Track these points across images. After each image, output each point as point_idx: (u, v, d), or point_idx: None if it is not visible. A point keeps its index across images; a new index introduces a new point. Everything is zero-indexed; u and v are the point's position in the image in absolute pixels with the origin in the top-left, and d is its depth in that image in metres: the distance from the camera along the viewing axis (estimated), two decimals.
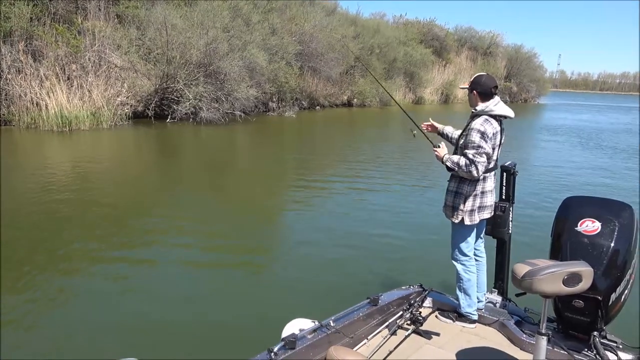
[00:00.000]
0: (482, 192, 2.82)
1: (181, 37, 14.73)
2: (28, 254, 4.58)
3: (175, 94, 14.92)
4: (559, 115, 30.55)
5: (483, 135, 2.72)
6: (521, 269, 2.08)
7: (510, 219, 3.01)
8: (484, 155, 2.71)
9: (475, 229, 2.90)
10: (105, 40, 14.38)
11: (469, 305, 2.87)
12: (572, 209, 2.60)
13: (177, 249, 4.91)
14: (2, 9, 12.22)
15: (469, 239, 2.88)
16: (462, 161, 2.74)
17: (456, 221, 2.85)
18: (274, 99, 20.06)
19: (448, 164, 2.82)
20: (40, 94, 12.26)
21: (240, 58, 15.63)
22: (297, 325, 2.39)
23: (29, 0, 12.89)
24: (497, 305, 3.00)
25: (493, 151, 2.79)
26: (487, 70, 36.55)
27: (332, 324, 2.38)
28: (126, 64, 14.82)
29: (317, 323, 2.37)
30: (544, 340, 2.14)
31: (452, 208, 2.85)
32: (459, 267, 2.91)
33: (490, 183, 2.86)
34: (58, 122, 11.95)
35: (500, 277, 3.11)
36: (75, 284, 4.05)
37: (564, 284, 2.04)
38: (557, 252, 2.53)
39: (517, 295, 2.76)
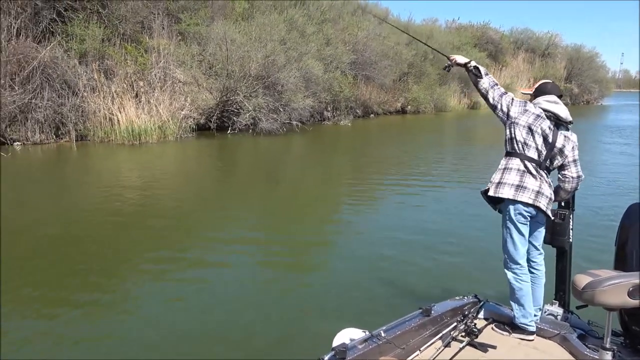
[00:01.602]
0: (507, 168, 2.75)
1: (240, 51, 15.16)
2: (96, 258, 4.82)
3: (235, 106, 15.35)
4: (623, 117, 28.88)
5: (513, 99, 2.78)
6: (582, 280, 1.97)
7: (571, 227, 2.85)
8: (501, 95, 2.79)
9: (524, 235, 2.72)
10: (169, 57, 15.06)
11: (523, 316, 2.71)
12: (638, 216, 2.42)
13: (233, 255, 5.02)
14: (77, 32, 13.06)
15: (518, 244, 2.72)
16: (488, 79, 2.83)
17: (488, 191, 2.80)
18: (329, 108, 20.23)
19: (472, 65, 2.87)
20: (112, 109, 12.97)
21: (297, 69, 15.89)
22: (347, 335, 2.35)
23: (101, 22, 13.72)
24: (558, 317, 2.83)
25: (513, 127, 2.73)
26: (546, 72, 35.26)
27: (383, 335, 2.31)
28: (189, 78, 15.43)
29: (367, 333, 2.32)
30: (608, 356, 2.01)
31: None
32: (509, 275, 2.77)
33: (514, 163, 2.73)
34: (128, 135, 12.57)
35: (561, 288, 2.92)
36: (138, 290, 4.20)
37: (629, 296, 1.91)
38: (622, 262, 2.37)
39: (579, 307, 2.61)
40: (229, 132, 15.23)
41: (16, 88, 11.54)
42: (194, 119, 14.97)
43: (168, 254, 5.03)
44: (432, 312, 2.65)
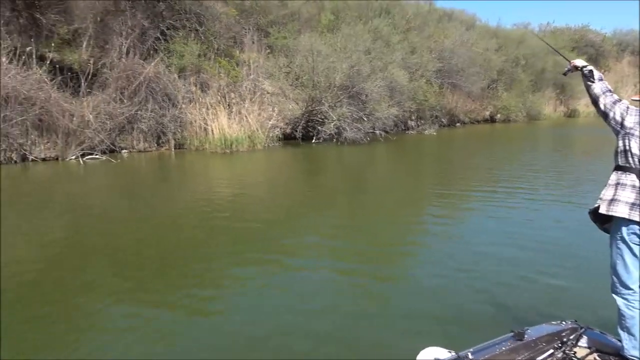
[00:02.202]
0: (620, 184, 2.51)
1: (326, 62, 15.49)
2: (183, 259, 5.11)
3: (319, 115, 15.67)
4: None
5: (628, 108, 2.55)
6: None
7: None
8: (614, 102, 2.59)
9: (638, 257, 2.45)
10: (258, 69, 15.78)
11: (634, 347, 2.43)
12: None
13: (315, 262, 5.03)
14: (178, 49, 14.13)
15: (631, 268, 2.45)
16: (601, 84, 2.64)
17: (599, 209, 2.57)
18: (413, 117, 19.98)
19: (587, 69, 2.68)
20: (206, 120, 13.82)
21: (382, 78, 15.90)
22: (431, 354, 2.25)
23: (198, 39, 14.72)
24: None
25: (628, 139, 2.48)
26: None
27: (470, 357, 2.18)
28: (276, 89, 16.04)
29: (454, 354, 2.20)
30: None
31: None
32: (619, 301, 2.51)
33: (629, 179, 2.50)
34: (221, 144, 13.31)
35: None
36: (226, 291, 4.37)
37: None
38: None
39: None
40: (313, 141, 15.57)
41: (125, 101, 12.70)
42: (280, 128, 15.51)
43: (254, 257, 5.20)
44: (526, 336, 2.47)
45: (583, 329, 2.67)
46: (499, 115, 25.40)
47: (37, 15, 12.30)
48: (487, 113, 25.23)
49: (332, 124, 15.26)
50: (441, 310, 3.81)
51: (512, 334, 2.50)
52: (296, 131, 15.73)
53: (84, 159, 11.51)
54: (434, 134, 19.03)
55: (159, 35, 14.22)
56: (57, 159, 11.41)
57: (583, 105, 30.53)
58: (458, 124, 23.04)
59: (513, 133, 21.51)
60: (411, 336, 3.32)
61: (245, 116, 14.60)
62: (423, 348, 2.33)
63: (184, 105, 13.73)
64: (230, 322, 3.73)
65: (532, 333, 2.54)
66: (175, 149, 13.43)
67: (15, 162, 10.83)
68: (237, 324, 3.65)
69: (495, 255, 5.15)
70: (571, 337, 2.57)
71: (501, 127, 24.01)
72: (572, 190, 8.74)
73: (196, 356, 3.19)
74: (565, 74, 2.95)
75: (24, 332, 3.50)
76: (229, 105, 14.58)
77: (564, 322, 2.73)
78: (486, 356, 2.27)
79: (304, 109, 15.67)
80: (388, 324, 3.62)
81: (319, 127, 15.65)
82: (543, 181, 9.62)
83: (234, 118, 14.33)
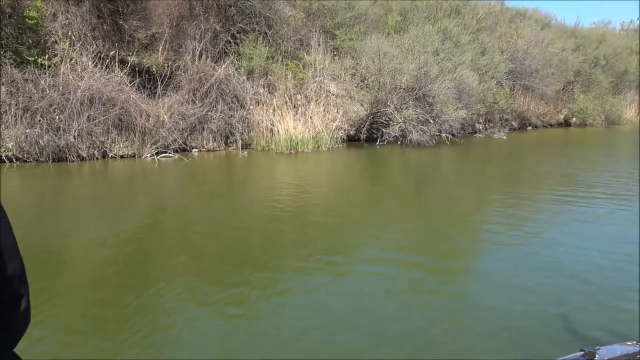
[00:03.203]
0: None
1: (392, 64, 15.32)
2: (248, 254, 5.20)
3: (384, 117, 15.52)
4: None
5: None
6: None
7: None
8: None
9: None
10: (324, 71, 15.88)
11: None
12: None
13: (375, 267, 4.94)
14: (247, 52, 14.52)
15: None
16: None
17: None
18: (481, 120, 19.32)
19: None
20: (273, 121, 14.08)
21: (450, 80, 15.49)
22: None
23: (266, 42, 15.05)
24: None
25: None
26: None
27: None
28: (341, 91, 16.06)
29: None
30: None
31: None
32: None
33: None
34: (287, 145, 13.51)
35: None
36: (286, 290, 4.40)
37: None
38: None
39: None
40: (377, 143, 15.44)
41: (197, 102, 13.22)
42: (344, 130, 15.51)
43: (316, 258, 5.20)
44: (597, 356, 2.25)
45: None
46: (574, 119, 24.02)
47: (120, 22, 13.09)
48: (562, 116, 23.93)
49: (397, 126, 15.06)
50: (504, 324, 3.64)
51: (581, 352, 2.30)
52: (360, 133, 15.67)
53: (159, 157, 12.09)
54: (504, 137, 18.27)
55: (229, 38, 14.68)
56: (134, 156, 12.06)
57: None
58: (529, 128, 22.01)
59: (590, 137, 20.24)
60: (471, 349, 3.21)
61: (310, 118, 14.74)
62: None
63: (251, 107, 14.07)
64: (290, 317, 3.77)
65: (603, 353, 2.32)
66: (242, 149, 13.79)
67: (97, 158, 11.57)
68: (291, 327, 3.68)
69: (562, 266, 4.87)
70: None
71: (577, 131, 22.66)
72: None
73: (251, 356, 3.24)
74: None
75: (91, 316, 3.71)
76: (294, 106, 14.79)
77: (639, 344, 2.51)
78: None
79: (368, 111, 15.58)
80: (445, 334, 3.52)
81: (383, 129, 15.50)
82: (629, 190, 8.93)
83: (299, 119, 14.51)
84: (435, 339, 3.48)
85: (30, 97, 10.85)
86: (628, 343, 2.48)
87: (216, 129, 13.53)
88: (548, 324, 3.62)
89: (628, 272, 4.67)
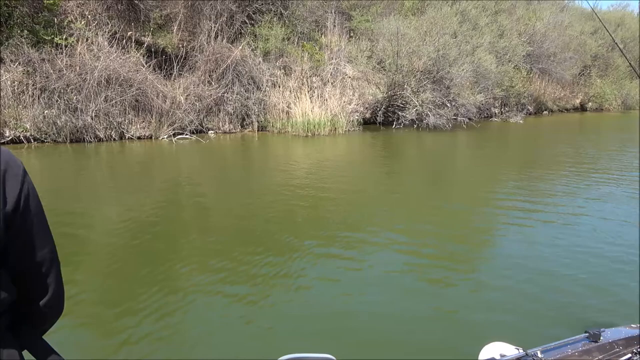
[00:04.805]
0: None
1: (410, 46, 15.06)
2: (262, 236, 5.16)
3: (400, 100, 15.32)
4: None
5: None
6: None
7: None
8: None
9: None
10: (340, 53, 15.64)
11: None
12: None
13: (381, 253, 4.85)
14: (263, 33, 14.31)
15: None
16: None
17: None
18: (496, 104, 19.05)
19: None
20: (289, 103, 13.93)
21: (469, 63, 15.22)
22: (496, 350, 2.07)
23: (283, 23, 14.81)
24: None
25: None
26: None
27: (539, 355, 1.97)
28: (357, 74, 15.84)
29: (521, 351, 1.99)
30: None
31: None
32: None
33: None
34: (304, 127, 13.36)
35: None
36: (302, 272, 4.31)
37: None
38: None
39: None
40: (394, 126, 15.27)
41: (213, 83, 13.07)
42: (360, 112, 15.34)
43: (329, 241, 5.11)
44: (602, 338, 2.23)
45: None
46: (590, 104, 23.66)
47: (135, 1, 12.90)
48: (578, 101, 23.58)
49: (414, 109, 14.86)
50: (509, 306, 3.68)
51: (586, 334, 2.27)
52: (377, 116, 15.49)
53: (175, 138, 12.01)
54: (521, 122, 18.02)
55: (245, 19, 14.45)
56: (150, 137, 11.99)
57: None
58: (545, 112, 21.71)
59: (607, 122, 19.95)
60: (475, 330, 3.25)
61: (326, 100, 14.56)
62: (486, 341, 2.17)
63: (267, 89, 13.91)
64: (302, 300, 3.75)
65: (608, 335, 2.30)
66: (258, 131, 13.68)
67: (115, 139, 11.50)
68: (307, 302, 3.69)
69: (570, 249, 4.84)
70: None
71: (593, 116, 22.35)
72: None
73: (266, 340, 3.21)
74: None
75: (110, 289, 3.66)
76: (310, 88, 14.60)
77: None
78: (557, 356, 2.08)
79: (385, 94, 15.38)
80: (451, 317, 3.56)
81: (400, 112, 15.31)
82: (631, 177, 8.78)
83: (315, 102, 14.33)
84: (447, 317, 3.54)
85: (47, 77, 10.76)
86: (633, 325, 2.47)
87: (232, 111, 13.41)
88: (554, 307, 3.63)
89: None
